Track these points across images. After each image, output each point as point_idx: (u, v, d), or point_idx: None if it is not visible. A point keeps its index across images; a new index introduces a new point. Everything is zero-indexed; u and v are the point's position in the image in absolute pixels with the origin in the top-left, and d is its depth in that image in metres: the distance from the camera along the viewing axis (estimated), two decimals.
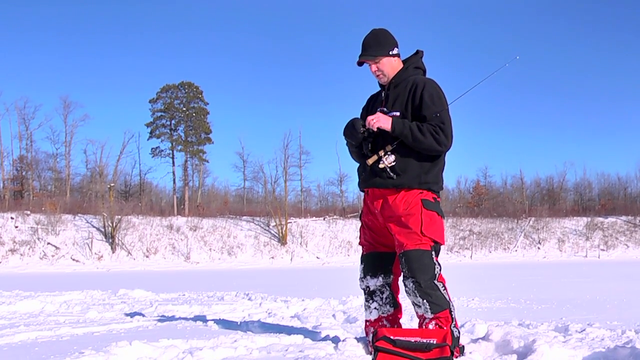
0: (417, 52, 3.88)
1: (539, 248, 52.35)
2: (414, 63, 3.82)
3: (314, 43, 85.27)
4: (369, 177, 3.69)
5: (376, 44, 3.74)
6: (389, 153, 3.59)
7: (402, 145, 3.57)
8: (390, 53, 3.76)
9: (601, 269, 24.78)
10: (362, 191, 3.85)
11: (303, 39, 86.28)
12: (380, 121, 3.58)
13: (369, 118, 3.62)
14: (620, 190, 63.42)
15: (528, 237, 53.62)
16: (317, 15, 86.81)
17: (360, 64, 3.79)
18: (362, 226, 3.91)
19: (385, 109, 3.72)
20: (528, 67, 79.03)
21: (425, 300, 3.51)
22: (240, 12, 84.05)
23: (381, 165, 3.59)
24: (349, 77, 76.66)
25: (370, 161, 3.63)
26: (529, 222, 54.86)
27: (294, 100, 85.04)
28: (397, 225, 3.59)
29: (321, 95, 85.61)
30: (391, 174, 3.58)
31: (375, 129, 3.60)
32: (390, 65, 3.76)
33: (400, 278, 3.73)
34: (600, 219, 55.39)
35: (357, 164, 3.87)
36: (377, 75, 3.79)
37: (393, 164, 3.58)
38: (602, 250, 51.10)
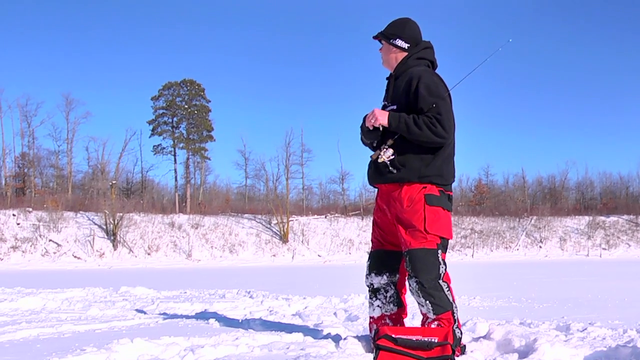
0: (418, 43, 3.79)
1: (540, 247, 52.31)
2: (415, 54, 3.76)
3: (315, 41, 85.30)
4: (373, 173, 3.70)
5: (389, 27, 3.78)
6: (386, 147, 3.58)
7: (401, 138, 3.56)
8: (392, 42, 3.74)
9: (603, 268, 24.75)
10: (374, 187, 3.85)
11: (305, 36, 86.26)
12: (378, 118, 3.58)
13: (367, 117, 3.64)
14: (622, 190, 63.34)
15: (530, 236, 53.57)
16: (319, 13, 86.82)
17: (376, 38, 3.85)
18: (373, 223, 3.91)
19: (386, 102, 3.74)
20: (530, 65, 78.99)
21: (427, 301, 3.48)
22: (243, 9, 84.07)
23: (380, 160, 3.58)
24: (351, 75, 76.65)
25: (373, 156, 3.64)
26: (531, 220, 54.81)
27: (295, 98, 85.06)
28: (402, 222, 3.57)
29: (323, 93, 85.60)
30: (391, 168, 3.57)
31: (378, 125, 3.60)
32: (389, 55, 3.77)
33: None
34: (602, 218, 55.33)
35: (363, 162, 3.90)
36: (381, 59, 3.86)
37: (392, 157, 3.56)
38: (604, 249, 51.04)
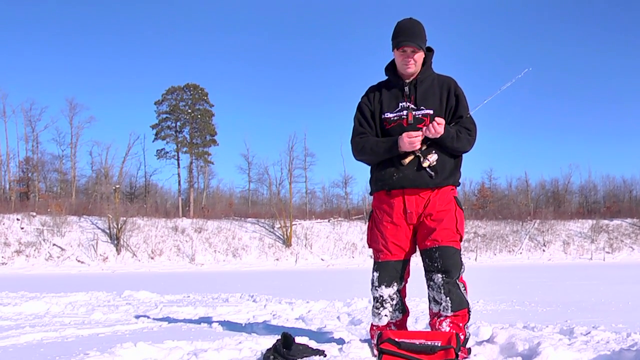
0: (432, 50, 3.80)
1: (544, 250, 52.22)
2: (432, 62, 3.81)
3: (319, 45, 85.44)
4: (411, 176, 3.60)
5: (422, 35, 3.69)
6: (433, 151, 3.59)
7: (432, 144, 3.60)
8: (424, 48, 3.72)
9: (606, 271, 24.69)
10: (386, 192, 3.69)
11: (308, 41, 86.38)
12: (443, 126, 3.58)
13: (437, 125, 3.54)
14: (626, 193, 63.24)
15: (533, 240, 53.49)
16: (322, 17, 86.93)
17: (400, 47, 3.64)
18: (374, 229, 3.78)
19: (412, 106, 3.68)
20: (533, 69, 78.78)
21: (448, 298, 3.54)
22: (246, 14, 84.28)
23: (425, 164, 3.58)
24: (353, 79, 76.64)
25: (406, 160, 3.59)
26: (534, 224, 54.73)
27: (299, 102, 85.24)
28: (433, 220, 3.62)
29: (326, 97, 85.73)
30: (431, 172, 3.60)
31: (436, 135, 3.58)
32: (421, 61, 3.73)
33: (405, 278, 3.76)
34: (606, 221, 55.22)
35: (366, 166, 3.83)
36: (409, 65, 3.66)
37: (435, 163, 3.60)
38: (607, 252, 50.94)
